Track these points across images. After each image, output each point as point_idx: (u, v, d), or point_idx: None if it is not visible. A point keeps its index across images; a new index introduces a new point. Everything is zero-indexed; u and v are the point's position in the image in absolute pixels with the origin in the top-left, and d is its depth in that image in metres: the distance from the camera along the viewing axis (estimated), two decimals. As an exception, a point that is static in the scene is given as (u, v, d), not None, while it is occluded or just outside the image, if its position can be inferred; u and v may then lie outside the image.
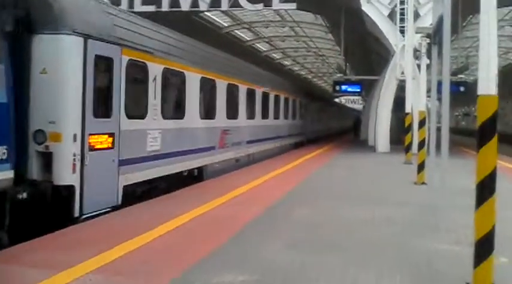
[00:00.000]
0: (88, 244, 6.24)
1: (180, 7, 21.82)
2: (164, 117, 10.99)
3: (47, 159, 7.76)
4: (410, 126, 16.19)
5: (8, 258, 5.69)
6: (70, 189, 7.83)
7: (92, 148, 8.29)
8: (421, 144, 12.95)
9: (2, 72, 6.88)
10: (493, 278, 4.58)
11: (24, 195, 7.34)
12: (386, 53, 25.80)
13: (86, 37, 8.16)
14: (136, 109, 10.08)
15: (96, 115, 8.47)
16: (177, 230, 7.11)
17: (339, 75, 32.10)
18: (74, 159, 7.90)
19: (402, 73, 21.83)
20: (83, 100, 8.10)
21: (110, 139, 8.84)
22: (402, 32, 22.13)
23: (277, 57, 56.87)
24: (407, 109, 16.40)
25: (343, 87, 29.71)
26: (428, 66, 13.61)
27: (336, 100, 61.86)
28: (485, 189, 4.58)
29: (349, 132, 50.25)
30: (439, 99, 9.52)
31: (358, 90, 30.99)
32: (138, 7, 21.03)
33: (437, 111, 11.49)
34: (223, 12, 34.06)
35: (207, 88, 13.92)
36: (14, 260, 5.63)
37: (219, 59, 15.70)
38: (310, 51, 54.47)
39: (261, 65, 28.79)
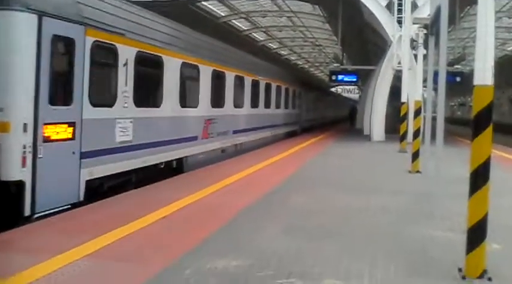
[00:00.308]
0: (83, 230, 6.30)
1: (177, -4, 21.76)
2: (137, 105, 10.12)
3: None
4: (405, 115, 16.29)
5: (3, 242, 5.73)
6: (19, 185, 7.07)
7: (47, 139, 7.44)
8: (416, 133, 13.05)
9: None
10: (485, 264, 4.69)
11: None
12: (383, 43, 25.83)
13: (41, 14, 7.31)
14: (103, 97, 9.34)
15: (53, 102, 7.63)
16: (170, 218, 7.18)
17: (335, 65, 32.08)
18: (24, 152, 7.09)
19: (399, 63, 21.92)
20: (36, 85, 7.27)
21: (70, 129, 8.00)
22: (399, 22, 22.21)
23: (274, 47, 56.72)
24: (403, 99, 16.48)
25: (340, 77, 29.71)
26: (425, 57, 13.67)
27: (332, 89, 61.83)
28: (479, 177, 4.67)
29: (344, 121, 50.38)
30: (435, 89, 9.60)
31: (355, 79, 31.01)
32: (136, -5, 20.92)
33: (433, 101, 11.58)
34: (220, 1, 33.95)
35: (189, 75, 13.13)
36: (6, 245, 5.68)
37: (203, 44, 14.69)
38: (307, 41, 54.30)
39: (257, 54, 28.76)
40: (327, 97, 48.31)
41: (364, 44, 40.19)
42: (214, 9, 37.89)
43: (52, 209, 7.48)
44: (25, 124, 7.14)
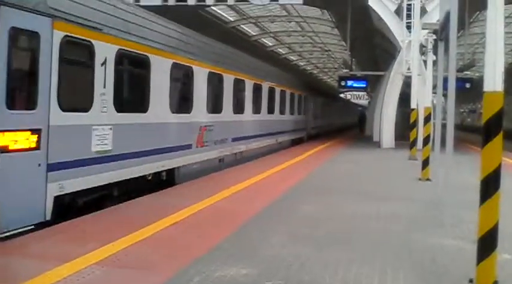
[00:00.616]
0: (92, 236, 6.29)
1: (186, 1, 21.79)
2: (119, 110, 9.05)
3: None
4: (415, 121, 16.18)
5: (11, 249, 5.73)
6: None
7: (4, 150, 6.45)
8: (426, 140, 12.94)
9: None
10: (496, 275, 4.60)
11: None
12: (393, 49, 25.74)
13: None
14: (76, 100, 8.28)
15: (11, 106, 6.64)
16: (179, 225, 7.14)
17: (344, 70, 31.99)
18: None
19: (408, 69, 21.80)
20: None
21: (34, 137, 6.95)
22: (409, 27, 22.08)
23: (283, 52, 56.76)
24: (413, 105, 16.38)
25: (349, 83, 29.58)
26: (435, 62, 13.57)
27: (341, 95, 61.70)
28: (490, 185, 4.59)
29: (354, 128, 50.20)
30: (445, 95, 9.51)
31: (364, 85, 30.86)
32: (145, 1, 21.01)
33: (443, 107, 11.48)
34: (229, 6, 34.01)
35: (181, 78, 12.14)
36: (16, 251, 5.68)
37: (197, 43, 13.32)
38: (316, 47, 54.29)
39: (266, 59, 28.70)
40: (335, 103, 47.74)
41: (373, 50, 40.11)
42: (224, 14, 38.00)
43: (11, 231, 6.50)
44: None
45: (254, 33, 46.03)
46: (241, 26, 42.65)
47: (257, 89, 18.29)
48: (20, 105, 6.97)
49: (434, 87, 13.39)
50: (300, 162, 16.24)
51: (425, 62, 16.46)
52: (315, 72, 74.17)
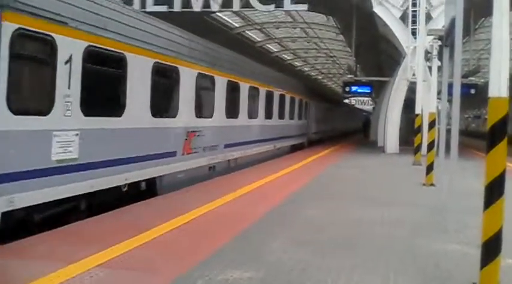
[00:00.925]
0: (95, 238, 6.32)
1: (191, 8, 21.89)
2: (86, 114, 8.04)
3: None
4: (420, 127, 16.18)
5: (15, 251, 5.75)
6: None
7: None
8: (431, 146, 12.94)
9: None
10: (500, 280, 4.60)
11: None
12: (397, 55, 25.75)
13: None
14: (31, 102, 7.39)
15: None
16: (183, 227, 7.16)
17: (349, 76, 32.02)
18: None
19: (413, 75, 21.82)
20: None
21: None
22: (414, 34, 22.13)
23: (288, 58, 56.86)
24: (418, 111, 16.39)
25: (353, 88, 29.65)
26: (439, 68, 13.60)
27: (346, 101, 61.70)
28: (494, 191, 4.60)
29: (357, 133, 50.15)
30: (450, 101, 9.52)
31: (368, 91, 30.93)
32: (150, 7, 21.14)
33: (447, 113, 11.49)
34: (234, 12, 34.12)
35: (165, 79, 11.13)
36: (21, 253, 5.70)
37: (182, 41, 12.05)
38: (321, 52, 54.40)
39: (271, 65, 28.71)
40: (338, 108, 47.24)
41: (378, 55, 40.12)
42: (229, 20, 38.13)
43: None
44: None
45: (259, 39, 46.14)
46: (247, 32, 42.78)
47: (253, 93, 17.42)
48: None
49: (439, 92, 13.40)
50: (304, 166, 16.24)
51: (430, 68, 16.49)
52: (320, 77, 74.25)
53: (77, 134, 7.84)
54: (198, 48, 12.96)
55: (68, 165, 7.67)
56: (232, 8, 22.71)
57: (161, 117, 10.79)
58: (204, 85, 13.18)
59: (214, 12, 29.47)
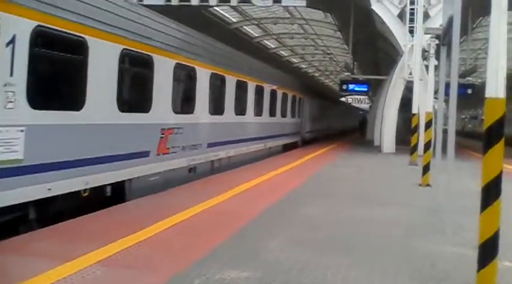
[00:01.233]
0: (92, 236, 6.27)
1: (189, 1, 21.82)
2: (35, 106, 6.96)
3: None
4: (416, 126, 16.16)
5: (12, 248, 5.71)
6: None
7: None
8: (427, 146, 12.90)
9: None
10: (497, 282, 4.56)
11: None
12: (395, 53, 25.73)
13: None
14: None
15: None
16: (180, 226, 7.12)
17: (346, 74, 32.01)
18: None
19: (410, 74, 21.79)
20: None
21: None
22: (411, 32, 22.10)
23: (286, 54, 56.84)
24: (414, 110, 16.36)
25: (350, 86, 29.64)
26: (436, 67, 13.56)
27: (343, 99, 61.72)
28: (491, 192, 4.55)
29: (354, 132, 50.17)
30: (446, 101, 9.48)
31: (365, 89, 30.94)
32: (148, 0, 21.05)
33: (444, 113, 11.45)
34: (232, 7, 34.04)
35: (136, 69, 10.02)
36: (17, 250, 5.66)
37: (157, 26, 10.82)
38: (318, 49, 54.40)
39: (268, 61, 28.61)
40: (335, 106, 46.78)
41: (376, 53, 40.13)
42: (226, 14, 38.04)
43: None
44: None
45: (257, 35, 46.07)
46: (244, 27, 42.69)
47: (241, 87, 16.20)
48: None
49: (436, 92, 13.36)
50: (301, 165, 16.21)
51: (427, 66, 16.46)
52: (317, 74, 74.26)
53: (22, 130, 6.73)
54: (176, 35, 11.69)
55: (10, 167, 6.57)
56: (230, 2, 22.66)
57: (130, 111, 9.64)
58: (183, 78, 12.12)
59: (212, 7, 29.40)
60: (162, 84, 10.68)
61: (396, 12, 23.07)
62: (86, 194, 8.20)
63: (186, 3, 21.95)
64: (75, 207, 7.88)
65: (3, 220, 6.59)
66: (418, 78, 17.77)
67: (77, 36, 7.84)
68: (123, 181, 9.30)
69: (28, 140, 6.80)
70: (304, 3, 22.35)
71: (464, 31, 23.18)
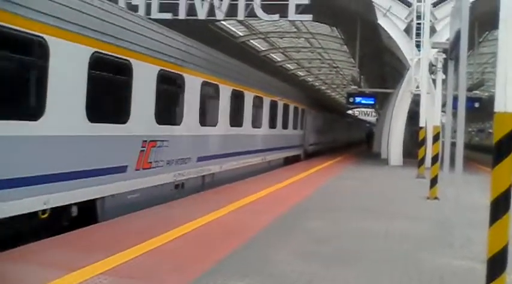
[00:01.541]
0: (99, 246, 6.30)
1: (196, 15, 21.99)
2: None
3: None
4: (423, 140, 16.14)
5: (19, 257, 5.74)
6: None
7: None
8: (435, 159, 12.88)
9: None
10: (506, 296, 4.56)
11: None
12: (401, 67, 25.78)
13: None
14: None
15: None
16: (187, 236, 7.14)
17: (353, 87, 32.04)
18: None
19: (417, 87, 21.82)
20: None
21: None
22: (418, 46, 22.16)
23: (292, 67, 57.02)
24: (421, 124, 16.36)
25: (357, 99, 29.60)
26: (444, 81, 13.59)
27: (349, 112, 61.72)
28: (500, 206, 4.56)
29: (360, 145, 50.05)
30: (454, 114, 9.48)
31: (372, 102, 30.88)
32: (155, 14, 21.24)
33: (452, 126, 11.45)
34: (239, 21, 34.26)
35: (110, 75, 8.86)
36: (25, 259, 5.69)
37: (137, 28, 9.67)
38: (325, 63, 54.53)
39: (274, 74, 28.67)
40: (340, 118, 46.32)
41: (382, 67, 40.20)
42: (233, 28, 38.27)
43: None
44: None
45: (263, 49, 46.28)
46: (251, 41, 42.93)
47: (237, 97, 15.24)
48: None
49: (444, 105, 13.37)
50: (307, 177, 16.19)
51: (434, 80, 16.49)
52: (323, 88, 74.38)
53: None
54: (161, 39, 10.62)
55: None
56: (236, 16, 22.80)
57: (103, 122, 8.48)
58: (170, 87, 11.05)
59: (218, 21, 29.61)
60: (142, 93, 9.66)
61: (403, 26, 23.16)
62: (45, 215, 7.21)
63: (193, 17, 22.11)
64: (32, 229, 7.06)
65: None
66: (425, 92, 17.78)
67: (35, 35, 6.87)
68: (94, 199, 8.29)
69: None
70: (310, 18, 22.44)
71: (471, 45, 23.21)
